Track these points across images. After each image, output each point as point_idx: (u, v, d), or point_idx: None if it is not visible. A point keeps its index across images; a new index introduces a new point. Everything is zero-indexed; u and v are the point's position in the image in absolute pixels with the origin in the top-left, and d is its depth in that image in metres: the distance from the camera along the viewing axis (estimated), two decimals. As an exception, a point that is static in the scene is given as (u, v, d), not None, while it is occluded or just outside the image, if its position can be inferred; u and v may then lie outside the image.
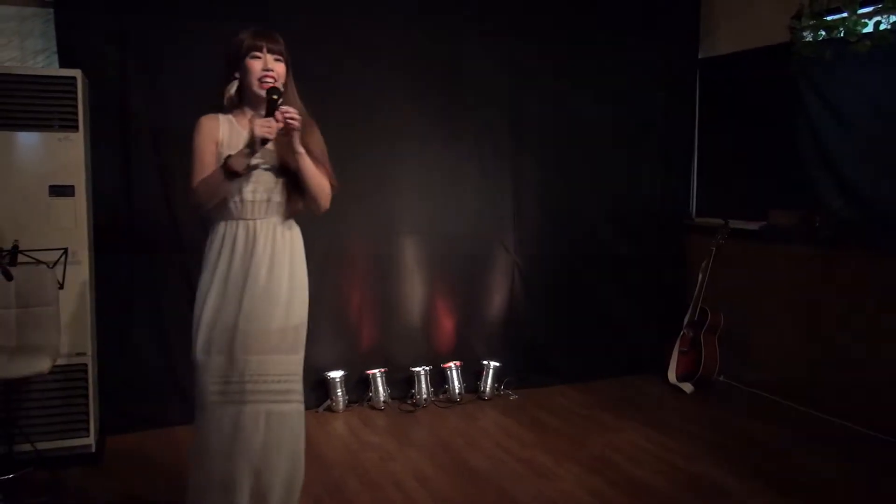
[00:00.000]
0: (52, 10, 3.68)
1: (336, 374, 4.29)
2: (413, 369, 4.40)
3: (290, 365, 2.55)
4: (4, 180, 3.29)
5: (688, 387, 4.67)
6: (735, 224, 4.70)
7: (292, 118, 2.43)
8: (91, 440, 3.49)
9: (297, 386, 2.58)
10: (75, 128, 3.38)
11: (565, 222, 4.84)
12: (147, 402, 3.94)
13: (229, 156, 2.42)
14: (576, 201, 4.85)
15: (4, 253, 3.08)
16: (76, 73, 3.39)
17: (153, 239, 3.94)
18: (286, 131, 2.45)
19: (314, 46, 4.06)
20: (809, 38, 4.11)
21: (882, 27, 3.73)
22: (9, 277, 2.92)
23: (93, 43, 3.74)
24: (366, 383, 4.38)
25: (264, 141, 2.40)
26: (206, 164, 2.48)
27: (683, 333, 4.82)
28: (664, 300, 5.10)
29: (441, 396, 4.47)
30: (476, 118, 4.57)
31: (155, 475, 3.41)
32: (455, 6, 4.44)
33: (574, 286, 4.87)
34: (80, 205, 3.43)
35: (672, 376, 4.76)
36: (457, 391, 4.44)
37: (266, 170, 2.52)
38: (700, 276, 4.78)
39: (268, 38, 2.52)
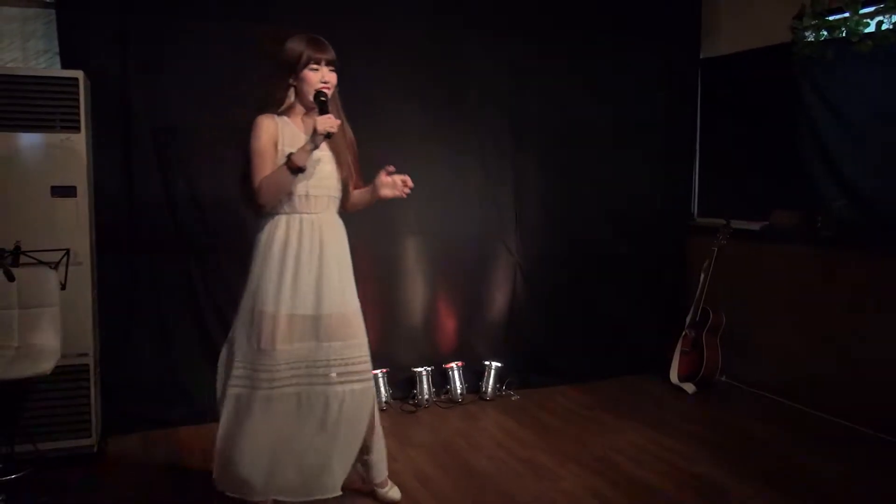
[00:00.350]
0: (53, 11, 3.68)
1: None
2: (414, 370, 4.41)
3: (364, 346, 2.84)
4: (6, 181, 3.29)
5: (690, 387, 4.67)
6: (737, 224, 4.70)
7: (332, 125, 2.63)
8: (93, 441, 3.49)
9: (370, 366, 2.87)
10: (77, 129, 3.39)
11: (567, 223, 4.84)
12: (149, 402, 3.94)
13: (291, 153, 2.61)
14: (577, 202, 4.85)
15: (6, 254, 3.08)
16: (78, 73, 3.40)
17: (155, 240, 3.95)
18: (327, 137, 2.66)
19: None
20: (811, 39, 4.11)
21: (884, 27, 3.73)
22: (11, 278, 2.92)
23: (94, 44, 3.74)
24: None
25: (328, 135, 2.61)
26: (267, 163, 2.66)
27: (685, 334, 4.82)
28: (666, 300, 5.09)
29: (443, 397, 4.47)
30: (478, 118, 4.57)
31: (157, 476, 3.41)
32: (456, 6, 4.44)
33: (576, 286, 4.87)
34: (81, 206, 3.43)
35: (674, 376, 4.76)
36: (458, 391, 4.45)
37: (324, 167, 2.76)
38: (702, 276, 4.78)
39: (325, 50, 2.72)
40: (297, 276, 2.70)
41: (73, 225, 3.41)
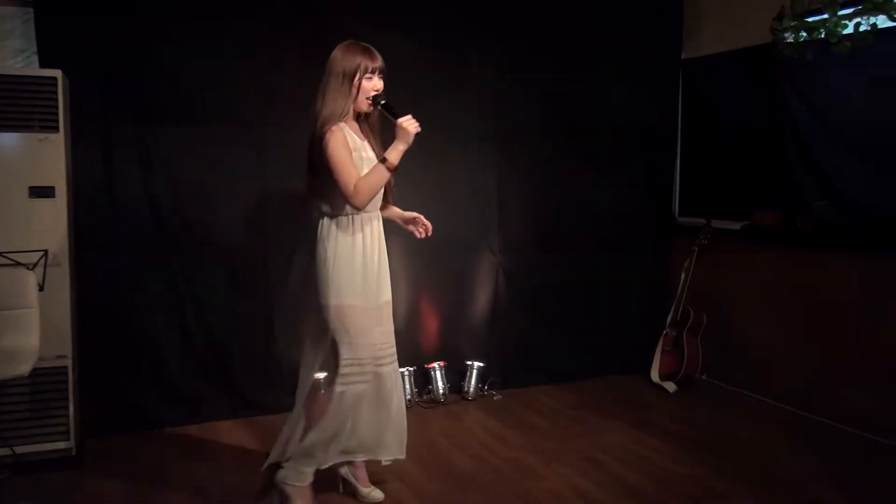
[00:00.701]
0: (31, 10, 3.64)
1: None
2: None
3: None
4: (-16, 181, 3.25)
5: (671, 386, 4.70)
6: (718, 224, 4.73)
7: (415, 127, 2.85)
8: (72, 443, 3.45)
9: None
10: (56, 128, 3.34)
11: (550, 223, 4.85)
12: (128, 404, 3.91)
13: (384, 158, 2.81)
14: (560, 202, 4.86)
15: (-17, 255, 3.04)
16: (56, 73, 3.35)
17: (135, 240, 3.91)
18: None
19: (297, 47, 4.05)
20: (791, 39, 4.13)
21: (862, 28, 3.76)
22: (-12, 279, 2.88)
23: (73, 42, 3.70)
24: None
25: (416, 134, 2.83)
26: (353, 169, 2.83)
27: (666, 333, 4.84)
28: (648, 300, 5.11)
29: (425, 397, 4.46)
30: (462, 120, 4.56)
31: (137, 477, 3.38)
32: (438, 8, 4.42)
33: (559, 286, 4.88)
34: (60, 206, 3.39)
35: (655, 376, 4.78)
36: (441, 391, 4.44)
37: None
38: (683, 275, 4.81)
39: (377, 59, 2.90)
40: (371, 270, 2.95)
41: (52, 225, 3.36)
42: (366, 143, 2.97)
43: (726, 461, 3.57)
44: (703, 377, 4.86)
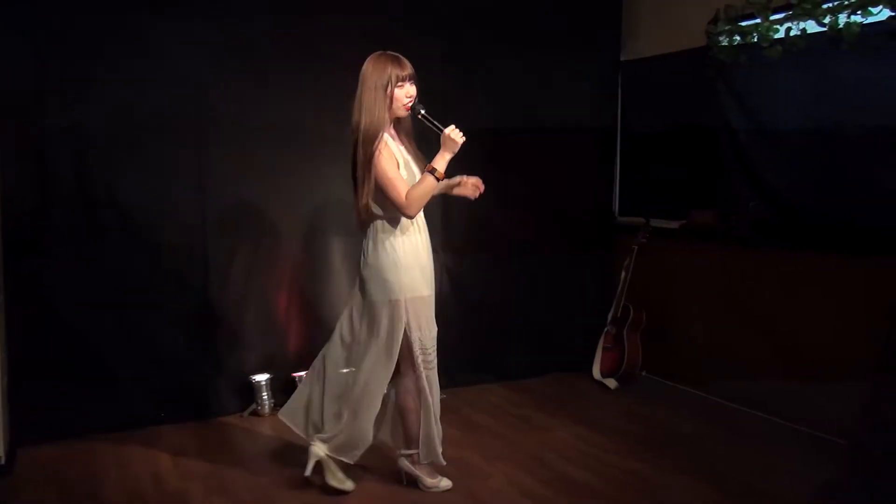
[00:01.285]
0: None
1: (262, 378, 4.20)
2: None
3: None
4: None
5: (612, 383, 4.77)
6: (657, 223, 4.82)
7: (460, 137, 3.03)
8: (1, 452, 3.33)
9: None
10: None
11: (493, 222, 4.86)
12: (61, 411, 3.78)
13: (433, 168, 3.00)
14: (503, 202, 4.86)
15: None
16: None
17: (68, 243, 3.79)
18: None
19: (224, 46, 3.98)
20: (725, 43, 4.24)
21: (793, 33, 3.88)
22: None
23: (3, 39, 3.56)
24: (293, 386, 4.29)
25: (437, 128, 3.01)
26: (402, 181, 3.01)
27: (607, 330, 4.91)
28: (590, 298, 5.17)
29: (370, 398, 4.42)
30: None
31: (69, 487, 3.28)
32: (377, 7, 4.38)
33: (502, 285, 4.90)
34: (-12, 207, 3.26)
35: (596, 373, 4.85)
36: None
37: (417, 172, 3.12)
38: (623, 273, 4.88)
39: (407, 67, 3.04)
40: (423, 271, 3.16)
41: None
42: (402, 147, 3.14)
43: (665, 455, 3.64)
44: (644, 373, 4.95)
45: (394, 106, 3.04)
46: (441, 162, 3.01)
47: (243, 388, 4.22)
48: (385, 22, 4.35)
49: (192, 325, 4.09)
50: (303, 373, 4.26)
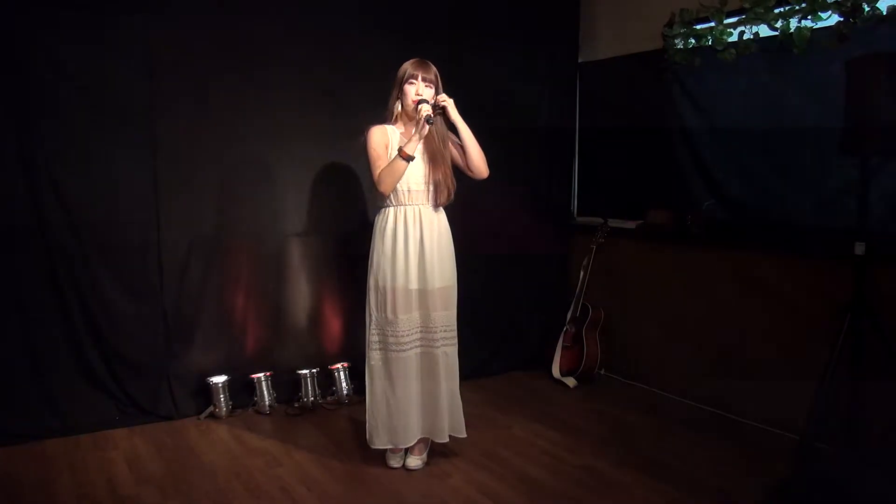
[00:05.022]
0: None
1: (219, 380, 4.15)
2: (299, 372, 4.33)
3: (454, 317, 3.50)
4: None
5: (571, 381, 4.81)
6: (614, 223, 4.87)
7: (444, 99, 3.33)
8: (-52, 459, 3.24)
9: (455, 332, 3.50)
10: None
11: (452, 222, 4.84)
12: (13, 415, 3.71)
13: (399, 147, 3.21)
14: (459, 202, 4.84)
15: None
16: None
17: (16, 241, 3.70)
18: (442, 110, 3.34)
19: (179, 42, 3.94)
20: (680, 46, 4.31)
21: (745, 37, 3.96)
22: None
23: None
24: (250, 388, 4.27)
25: (428, 120, 3.17)
26: (382, 160, 3.27)
27: (566, 329, 4.96)
28: (549, 297, 5.22)
29: (329, 399, 4.41)
30: (360, 118, 4.49)
31: (20, 493, 3.20)
32: (334, 6, 4.36)
33: (460, 285, 4.89)
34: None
35: (556, 371, 4.89)
36: (345, 392, 4.40)
37: (422, 167, 3.35)
38: (581, 273, 4.93)
39: (422, 68, 3.32)
40: (407, 257, 3.32)
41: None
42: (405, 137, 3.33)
43: (622, 453, 3.68)
44: (602, 372, 5.01)
45: (405, 101, 3.32)
46: (409, 144, 3.21)
47: (199, 391, 4.17)
48: (341, 20, 4.36)
49: (147, 325, 4.03)
50: (261, 374, 4.24)
